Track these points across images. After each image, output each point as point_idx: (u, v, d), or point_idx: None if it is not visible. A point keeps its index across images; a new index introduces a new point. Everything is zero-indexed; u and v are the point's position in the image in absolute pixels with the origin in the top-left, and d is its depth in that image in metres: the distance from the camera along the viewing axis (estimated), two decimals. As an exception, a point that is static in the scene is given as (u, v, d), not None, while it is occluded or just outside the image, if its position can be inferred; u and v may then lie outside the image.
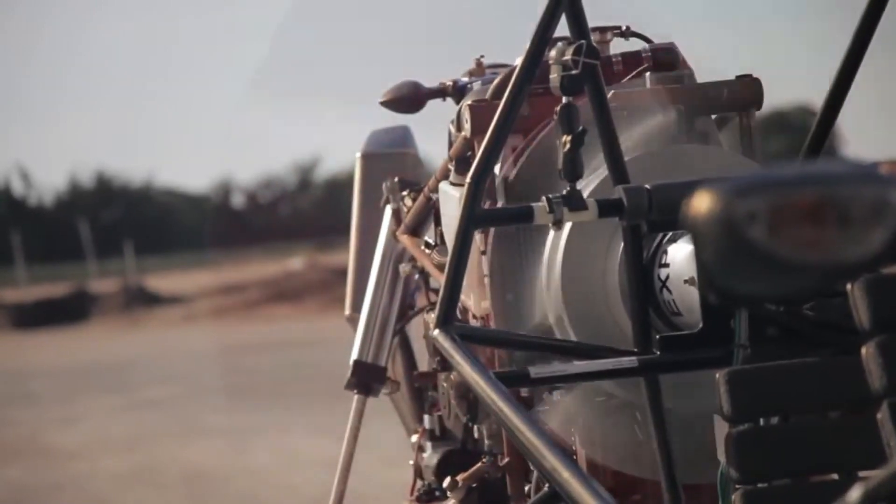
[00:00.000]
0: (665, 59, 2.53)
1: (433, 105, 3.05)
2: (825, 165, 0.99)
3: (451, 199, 2.59)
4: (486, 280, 2.42)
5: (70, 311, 22.84)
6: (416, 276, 3.18)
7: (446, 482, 2.73)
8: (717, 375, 1.76)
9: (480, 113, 2.46)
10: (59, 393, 12.12)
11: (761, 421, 1.78)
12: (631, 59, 2.53)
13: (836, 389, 1.75)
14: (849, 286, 1.52)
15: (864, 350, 1.50)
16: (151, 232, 43.01)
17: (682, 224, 1.90)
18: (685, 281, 2.06)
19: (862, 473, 1.73)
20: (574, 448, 2.37)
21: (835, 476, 1.77)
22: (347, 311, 3.42)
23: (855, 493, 1.15)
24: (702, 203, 0.98)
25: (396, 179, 3.16)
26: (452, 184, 2.65)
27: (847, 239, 0.96)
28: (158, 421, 9.55)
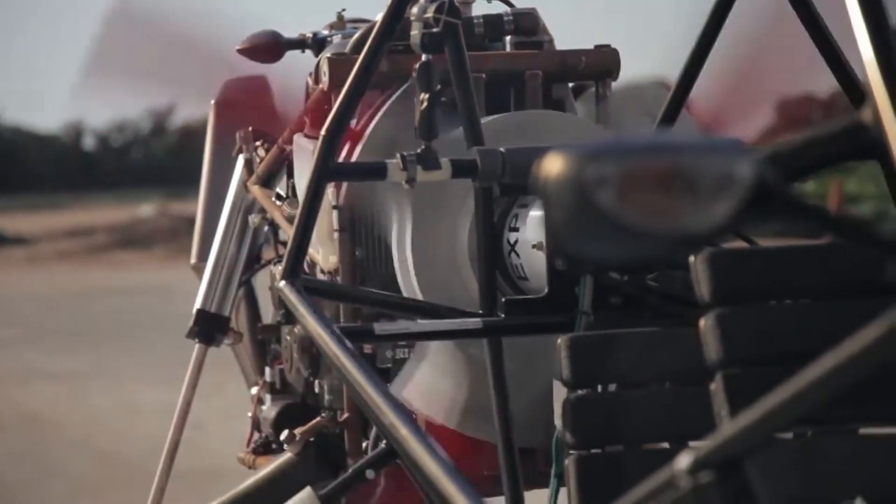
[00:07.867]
0: (526, 24, 2.53)
1: (291, 56, 3.01)
2: (677, 135, 1.00)
3: (305, 152, 2.57)
4: (336, 235, 2.41)
5: None
6: (266, 228, 3.15)
7: (283, 435, 2.72)
8: (559, 341, 1.78)
9: (339, 66, 2.44)
10: None
11: (599, 388, 1.80)
12: (492, 22, 2.54)
13: (674, 360, 1.77)
14: (691, 259, 1.54)
15: (702, 322, 1.52)
16: (-4, 170, 41.98)
17: (532, 188, 1.91)
18: (533, 246, 2.08)
19: (693, 443, 1.76)
20: (414, 407, 2.37)
21: (666, 445, 1.80)
22: (193, 260, 3.37)
23: (684, 460, 1.17)
24: (552, 166, 0.99)
25: (250, 129, 3.12)
26: (307, 136, 2.62)
27: (693, 209, 0.97)
28: (-5, 362, 9.36)
